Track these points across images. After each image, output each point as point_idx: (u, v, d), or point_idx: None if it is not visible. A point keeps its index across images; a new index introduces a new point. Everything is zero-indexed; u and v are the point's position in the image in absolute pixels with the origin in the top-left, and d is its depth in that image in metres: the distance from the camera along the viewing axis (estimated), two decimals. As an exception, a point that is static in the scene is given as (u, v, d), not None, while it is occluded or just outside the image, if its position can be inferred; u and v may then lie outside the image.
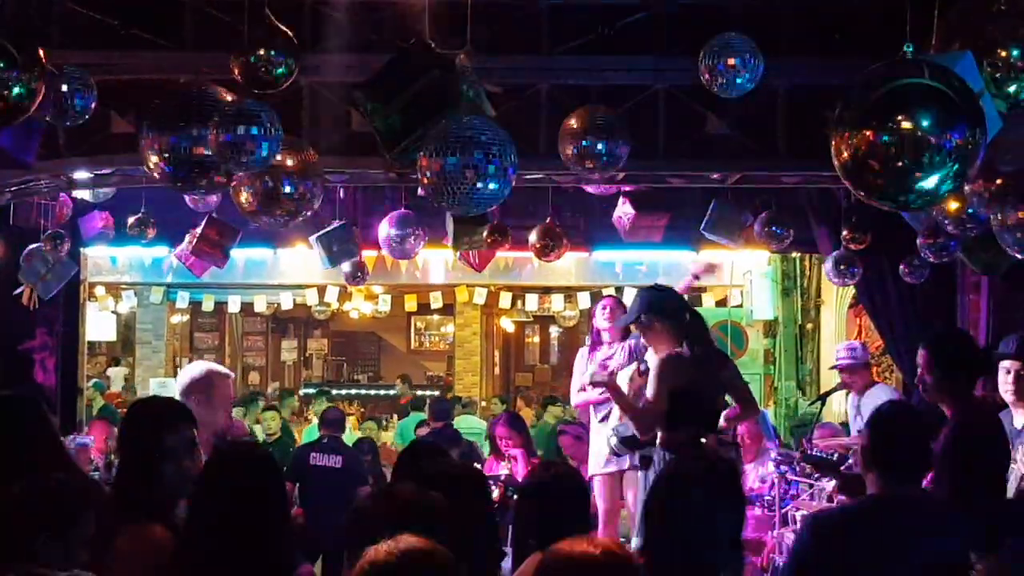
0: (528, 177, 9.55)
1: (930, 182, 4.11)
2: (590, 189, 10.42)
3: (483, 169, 4.68)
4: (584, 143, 7.17)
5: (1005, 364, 7.71)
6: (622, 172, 9.35)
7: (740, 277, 18.39)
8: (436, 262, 18.55)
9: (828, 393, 11.83)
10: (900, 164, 4.08)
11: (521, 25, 8.50)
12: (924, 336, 8.20)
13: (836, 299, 16.85)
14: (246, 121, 5.15)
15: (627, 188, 10.21)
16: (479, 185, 4.69)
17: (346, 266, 11.62)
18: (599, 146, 7.15)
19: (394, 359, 26.21)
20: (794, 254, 16.59)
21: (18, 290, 10.81)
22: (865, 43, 7.88)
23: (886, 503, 5.20)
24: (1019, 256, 6.78)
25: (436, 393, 20.85)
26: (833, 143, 4.27)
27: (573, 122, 7.23)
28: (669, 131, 8.74)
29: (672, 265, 15.42)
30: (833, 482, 9.28)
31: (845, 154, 4.21)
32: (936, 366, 6.80)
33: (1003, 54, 4.71)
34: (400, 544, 3.08)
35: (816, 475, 9.51)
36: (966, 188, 7.43)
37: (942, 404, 6.97)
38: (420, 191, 4.85)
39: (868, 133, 4.11)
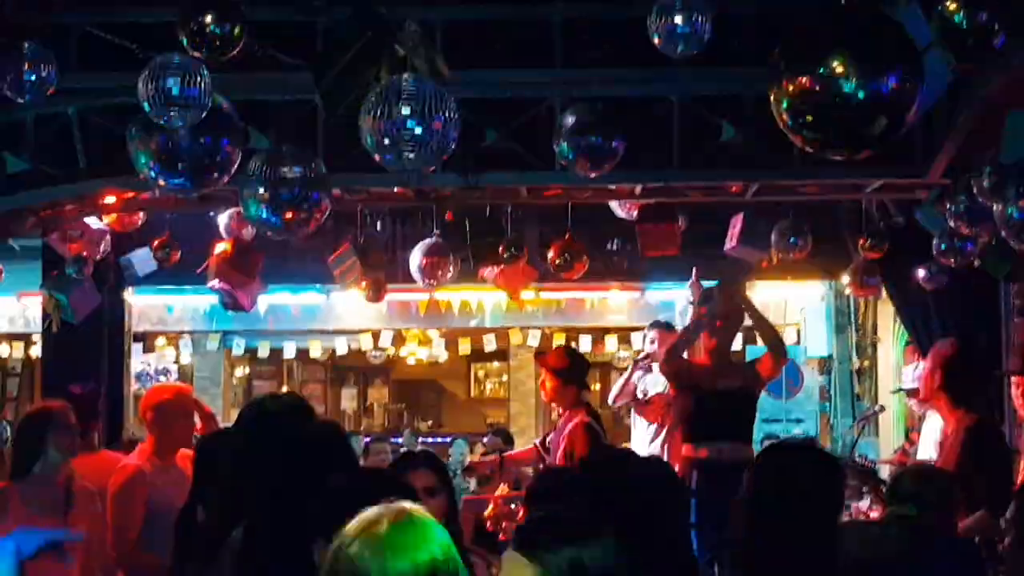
0: (547, 195, 9.63)
1: (868, 128, 4.08)
2: (618, 212, 10.42)
3: (422, 123, 4.72)
4: (579, 139, 7.21)
5: (1014, 379, 7.90)
6: (639, 185, 9.38)
7: (796, 314, 18.27)
8: (489, 305, 18.62)
9: (865, 418, 11.86)
10: (837, 111, 4.06)
11: (534, 39, 8.57)
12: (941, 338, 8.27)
13: (893, 336, 16.66)
14: (174, 72, 5.18)
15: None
16: (419, 136, 4.71)
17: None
18: (594, 142, 7.19)
19: (455, 406, 26.16)
20: (847, 290, 16.45)
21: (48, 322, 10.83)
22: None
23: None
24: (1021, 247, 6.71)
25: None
26: (772, 94, 4.25)
27: (567, 119, 7.28)
28: (683, 142, 8.74)
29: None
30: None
31: (784, 103, 4.19)
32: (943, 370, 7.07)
33: (951, 7, 4.68)
34: (393, 507, 2.95)
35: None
36: (974, 185, 7.41)
37: (936, 405, 7.19)
38: (370, 148, 4.86)
39: (804, 81, 4.10)
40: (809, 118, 4.10)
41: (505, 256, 10.21)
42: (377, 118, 4.68)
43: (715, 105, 8.71)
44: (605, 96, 8.21)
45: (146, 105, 5.27)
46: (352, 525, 2.80)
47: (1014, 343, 10.40)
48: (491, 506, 8.66)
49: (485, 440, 15.16)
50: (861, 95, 3.98)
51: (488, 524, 8.56)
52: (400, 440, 19.53)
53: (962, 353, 7.66)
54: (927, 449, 9.38)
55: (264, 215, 7.13)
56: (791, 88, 4.11)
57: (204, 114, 5.32)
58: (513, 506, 8.22)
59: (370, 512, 2.82)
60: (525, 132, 8.72)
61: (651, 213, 10.03)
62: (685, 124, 8.73)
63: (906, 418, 14.20)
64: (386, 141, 4.70)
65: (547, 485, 5.64)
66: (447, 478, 5.19)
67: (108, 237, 10.80)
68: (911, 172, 8.86)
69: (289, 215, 7.02)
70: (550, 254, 10.52)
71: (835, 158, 4.51)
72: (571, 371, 8.99)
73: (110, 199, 9.40)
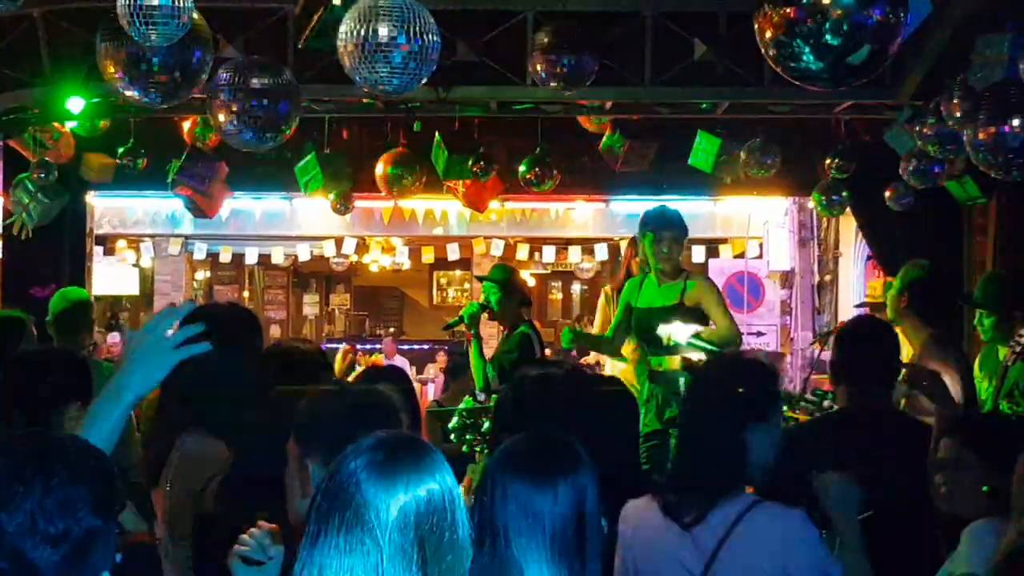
0: (517, 108, 9.57)
1: (853, 59, 4.07)
2: (587, 125, 10.36)
3: (402, 42, 4.66)
4: (552, 58, 7.18)
5: None
6: (610, 102, 9.33)
7: (759, 228, 18.33)
8: (453, 214, 18.58)
9: (827, 334, 11.86)
10: (822, 41, 4.04)
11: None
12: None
13: (854, 250, 16.75)
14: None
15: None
16: (399, 58, 4.66)
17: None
18: (567, 61, 7.16)
19: (416, 314, 26.25)
20: (810, 204, 16.48)
21: (10, 220, 10.71)
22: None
23: (853, 415, 5.28)
24: (992, 174, 6.71)
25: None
26: (756, 23, 4.23)
27: (542, 38, 7.24)
28: (655, 59, 8.70)
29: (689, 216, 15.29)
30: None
31: (769, 33, 4.17)
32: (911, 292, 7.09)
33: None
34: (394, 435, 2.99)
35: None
36: (943, 107, 7.42)
37: (903, 325, 7.23)
38: (348, 72, 4.79)
39: (789, 11, 4.08)
40: (793, 49, 4.08)
41: (476, 172, 10.13)
42: (355, 40, 4.61)
43: (687, 22, 8.65)
44: (578, 11, 8.16)
45: (125, 23, 5.17)
46: (350, 451, 2.82)
47: (976, 265, 10.47)
48: (455, 418, 8.69)
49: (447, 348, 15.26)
50: (845, 27, 3.97)
51: (452, 436, 8.60)
52: (380, 346, 19.61)
53: (932, 276, 7.65)
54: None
55: (233, 126, 7.07)
56: (775, 18, 4.09)
57: (184, 32, 5.24)
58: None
59: (370, 439, 2.86)
60: (496, 46, 8.65)
61: (633, 132, 9.97)
62: (657, 41, 8.67)
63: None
64: (365, 64, 4.64)
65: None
66: (412, 393, 5.21)
67: (71, 140, 10.67)
68: (881, 93, 8.85)
69: (258, 126, 6.97)
70: (522, 169, 10.44)
71: (816, 88, 4.49)
72: (511, 282, 8.88)
73: (75, 105, 9.25)
